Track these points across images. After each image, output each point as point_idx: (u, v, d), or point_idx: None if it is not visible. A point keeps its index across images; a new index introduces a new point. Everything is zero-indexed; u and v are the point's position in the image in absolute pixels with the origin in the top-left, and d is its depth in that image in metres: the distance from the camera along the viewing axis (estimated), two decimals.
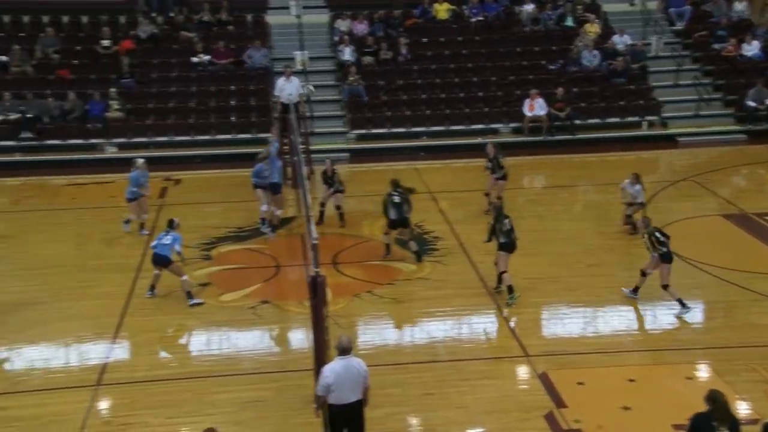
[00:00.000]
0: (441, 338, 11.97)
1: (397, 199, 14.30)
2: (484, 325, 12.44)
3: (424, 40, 24.45)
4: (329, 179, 16.15)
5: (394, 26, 24.52)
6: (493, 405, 10.12)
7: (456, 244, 15.15)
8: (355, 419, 8.62)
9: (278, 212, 16.02)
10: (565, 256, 14.50)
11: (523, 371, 11.05)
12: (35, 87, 21.75)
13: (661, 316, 12.43)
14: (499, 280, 12.99)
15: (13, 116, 20.87)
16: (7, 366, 11.36)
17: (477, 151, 20.44)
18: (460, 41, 24.52)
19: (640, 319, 12.43)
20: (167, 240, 12.85)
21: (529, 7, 25.09)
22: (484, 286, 13.42)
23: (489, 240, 13.08)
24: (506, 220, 12.92)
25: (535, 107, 22.12)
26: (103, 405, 10.29)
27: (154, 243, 13.02)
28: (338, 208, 16.12)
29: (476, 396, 10.33)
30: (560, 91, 22.37)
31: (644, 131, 22.72)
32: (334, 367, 8.43)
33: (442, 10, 25.09)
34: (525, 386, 10.73)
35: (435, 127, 22.38)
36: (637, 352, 11.52)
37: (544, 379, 10.66)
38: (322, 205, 16.16)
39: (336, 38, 24.12)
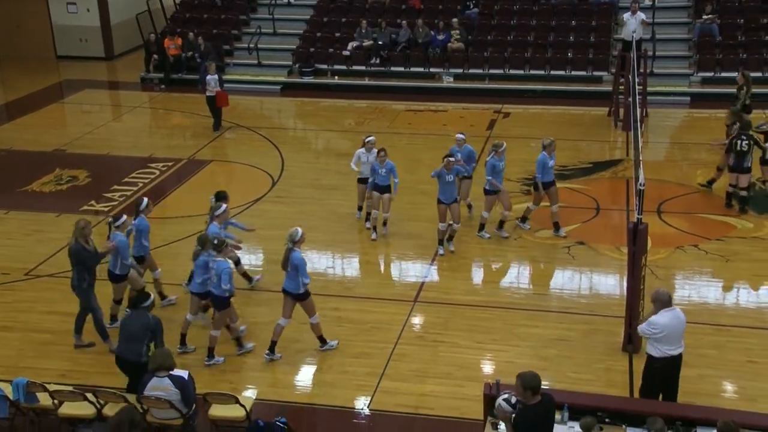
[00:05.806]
0: None
1: (744, 145, 13.18)
2: None
3: None
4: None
5: None
6: None
7: None
8: (674, 374, 8.33)
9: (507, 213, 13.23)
10: None
11: None
12: (389, 16, 23.10)
13: None
14: None
15: (367, 43, 22.49)
16: (340, 272, 12.60)
17: None
18: None
19: None
20: None
21: None
22: None
23: None
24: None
25: None
26: (418, 320, 10.96)
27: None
28: None
29: None
30: None
31: None
32: (662, 320, 8.07)
33: None
34: None
35: None
36: None
37: None
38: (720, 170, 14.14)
39: None
